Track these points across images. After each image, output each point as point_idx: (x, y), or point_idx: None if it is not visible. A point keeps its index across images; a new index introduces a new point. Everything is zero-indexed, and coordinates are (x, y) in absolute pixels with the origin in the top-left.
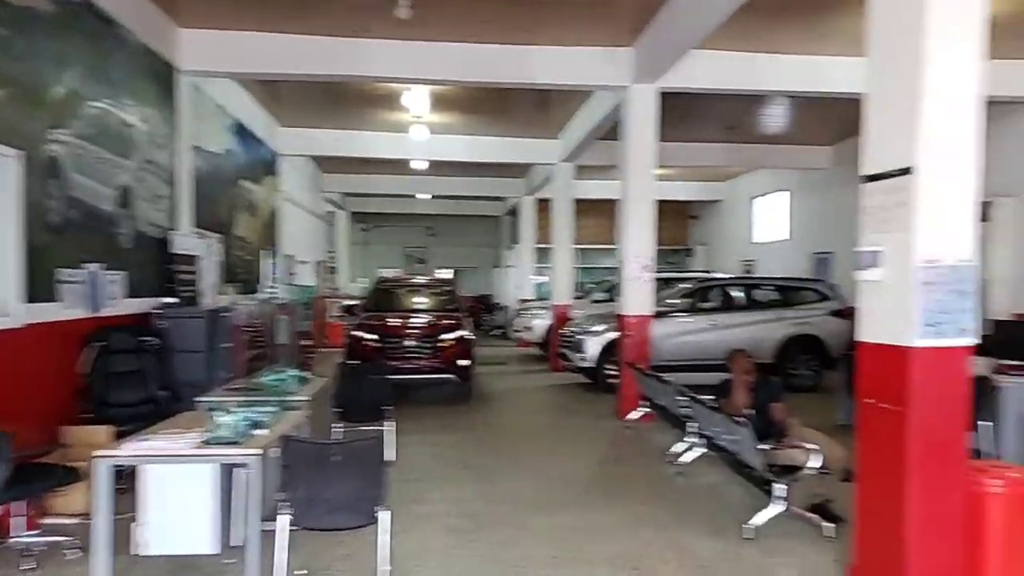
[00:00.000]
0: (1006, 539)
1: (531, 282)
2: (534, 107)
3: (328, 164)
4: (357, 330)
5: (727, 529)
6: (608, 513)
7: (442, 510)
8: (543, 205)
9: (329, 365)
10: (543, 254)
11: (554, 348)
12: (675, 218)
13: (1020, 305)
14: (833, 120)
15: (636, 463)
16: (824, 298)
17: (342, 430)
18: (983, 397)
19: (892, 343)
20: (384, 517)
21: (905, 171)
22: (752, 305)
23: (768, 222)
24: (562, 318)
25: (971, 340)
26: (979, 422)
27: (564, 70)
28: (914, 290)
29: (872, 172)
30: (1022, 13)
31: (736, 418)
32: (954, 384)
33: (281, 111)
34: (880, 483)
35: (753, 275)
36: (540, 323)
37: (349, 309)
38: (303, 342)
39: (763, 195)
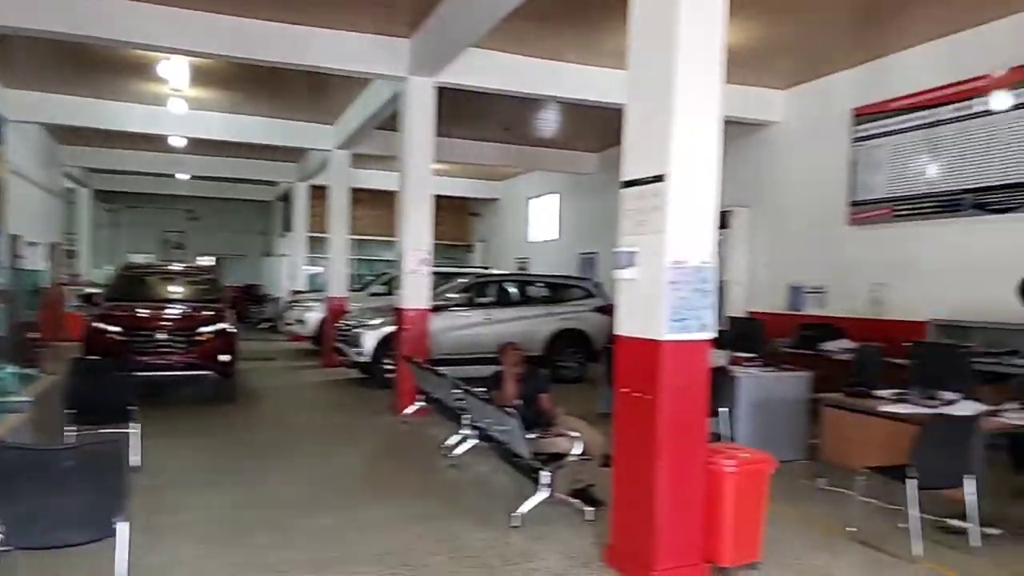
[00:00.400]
0: (737, 511)
1: (304, 273)
2: (309, 90)
3: (68, 135)
4: (98, 321)
5: (496, 518)
6: (378, 510)
7: (195, 518)
8: (318, 192)
9: (65, 361)
10: (318, 243)
11: (329, 342)
12: (457, 214)
13: (753, 304)
14: (600, 128)
15: (410, 458)
16: (589, 295)
17: (75, 433)
18: (721, 386)
19: (645, 336)
20: (122, 529)
21: (658, 178)
22: (525, 301)
23: (542, 222)
24: (337, 311)
25: (711, 334)
26: (719, 408)
27: (339, 54)
28: (664, 288)
29: (630, 178)
30: (752, 46)
31: (506, 409)
32: (696, 374)
33: (9, 71)
34: (633, 466)
35: (527, 272)
36: (314, 316)
37: (89, 298)
38: (29, 335)
39: (538, 196)
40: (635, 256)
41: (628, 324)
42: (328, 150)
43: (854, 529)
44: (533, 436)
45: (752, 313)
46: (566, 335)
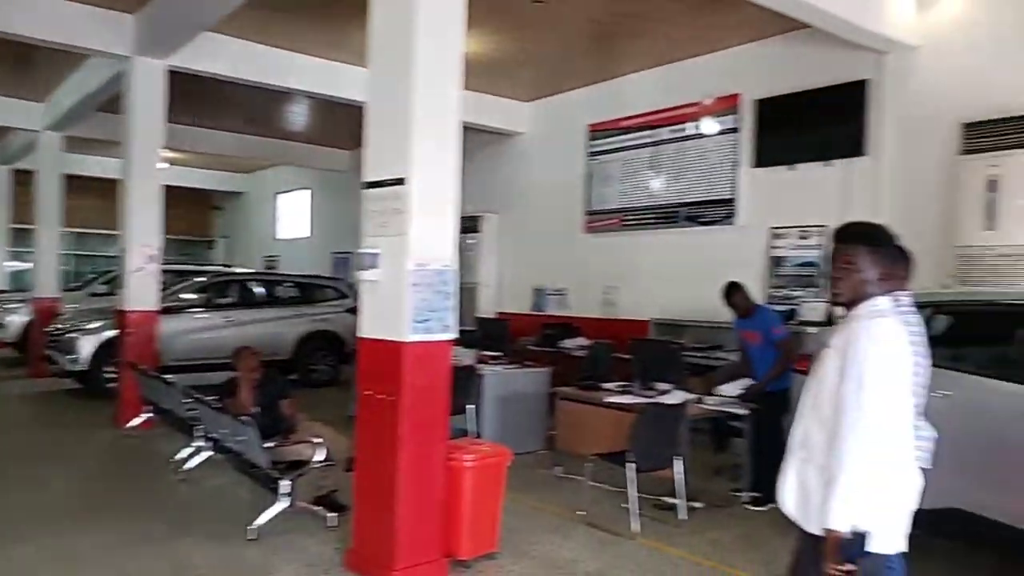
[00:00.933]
0: (475, 504)
1: (4, 269)
2: (15, 61)
3: None
4: None
5: (232, 533)
6: (93, 536)
7: None
8: (23, 178)
9: None
10: (22, 236)
11: (37, 349)
12: (197, 208)
13: (502, 305)
14: (354, 125)
15: (134, 475)
16: (342, 296)
17: None
18: (468, 383)
19: (388, 338)
20: None
21: (400, 181)
22: (272, 301)
23: (293, 219)
24: (47, 313)
25: (452, 335)
26: (466, 405)
27: (51, 24)
28: (406, 290)
29: (372, 179)
30: (498, 57)
31: (241, 417)
32: (439, 374)
33: None
34: (376, 467)
35: (274, 271)
36: (17, 319)
37: None
38: None
39: (288, 191)
40: (378, 258)
41: (371, 326)
42: (36, 130)
43: (583, 512)
44: (272, 444)
45: (500, 314)
46: (317, 337)
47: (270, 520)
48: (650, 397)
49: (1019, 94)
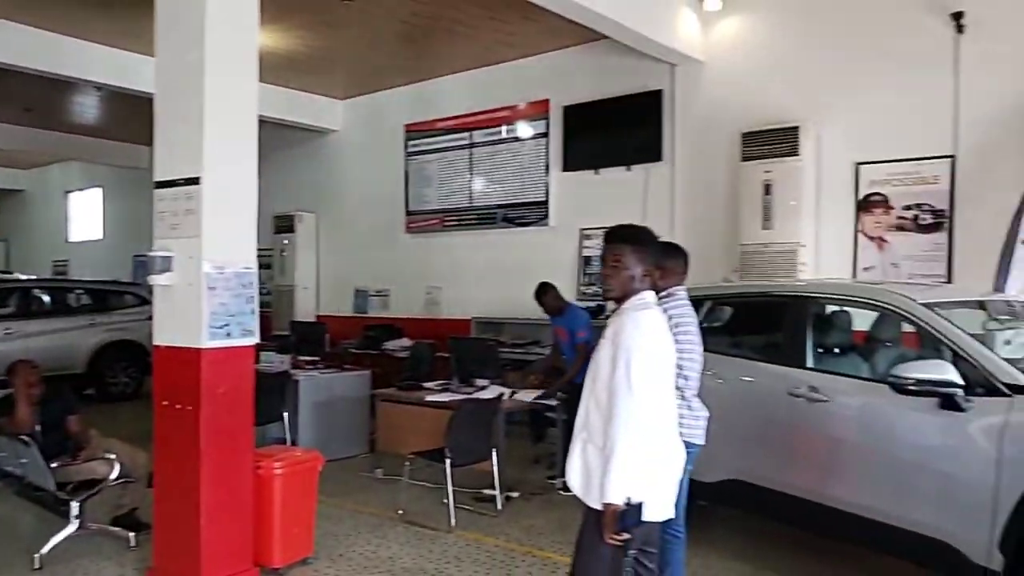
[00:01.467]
0: (285, 511)
1: None
2: None
3: None
4: None
5: (15, 564)
6: None
7: None
8: None
9: None
10: None
11: None
12: None
13: (322, 308)
14: (149, 119)
15: None
16: (144, 302)
17: None
18: (282, 390)
19: (184, 345)
20: None
21: (193, 180)
22: (61, 310)
23: (86, 220)
24: None
25: (254, 340)
26: (282, 412)
27: None
28: (203, 294)
29: (163, 179)
30: (310, 54)
31: (21, 437)
32: (241, 380)
33: None
34: (176, 481)
35: (64, 277)
36: None
37: None
38: None
39: (81, 190)
40: (171, 261)
41: (166, 333)
42: None
43: (402, 511)
44: (58, 464)
45: (320, 317)
46: (116, 348)
47: (60, 546)
48: (468, 394)
49: (787, 108)
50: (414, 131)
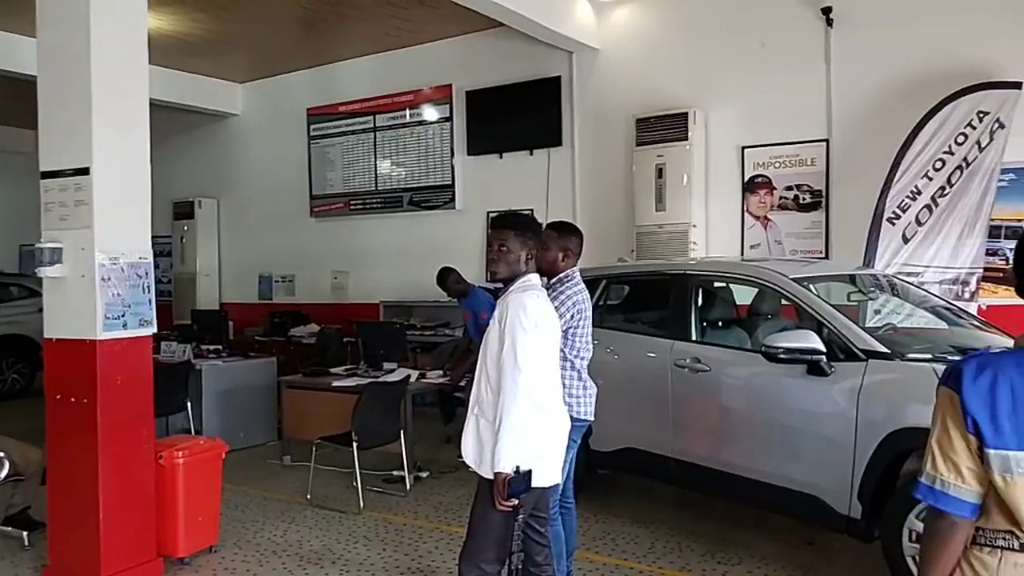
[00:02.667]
0: (189, 500)
1: None
2: None
3: None
4: None
5: None
6: None
7: None
8: None
9: None
10: None
11: None
12: None
13: (226, 295)
14: (33, 102)
15: None
16: (34, 294)
17: None
18: (186, 380)
19: (79, 338)
20: None
21: (83, 171)
22: None
23: None
24: None
25: (152, 330)
26: (187, 402)
27: None
28: (97, 286)
29: (50, 169)
30: (207, 37)
31: None
32: (139, 372)
33: None
34: (73, 476)
35: None
36: None
37: None
38: None
39: None
40: (61, 252)
41: (58, 326)
42: None
43: (310, 496)
44: None
45: (223, 304)
46: (6, 342)
47: None
48: (375, 378)
49: (677, 95)
50: (317, 115)
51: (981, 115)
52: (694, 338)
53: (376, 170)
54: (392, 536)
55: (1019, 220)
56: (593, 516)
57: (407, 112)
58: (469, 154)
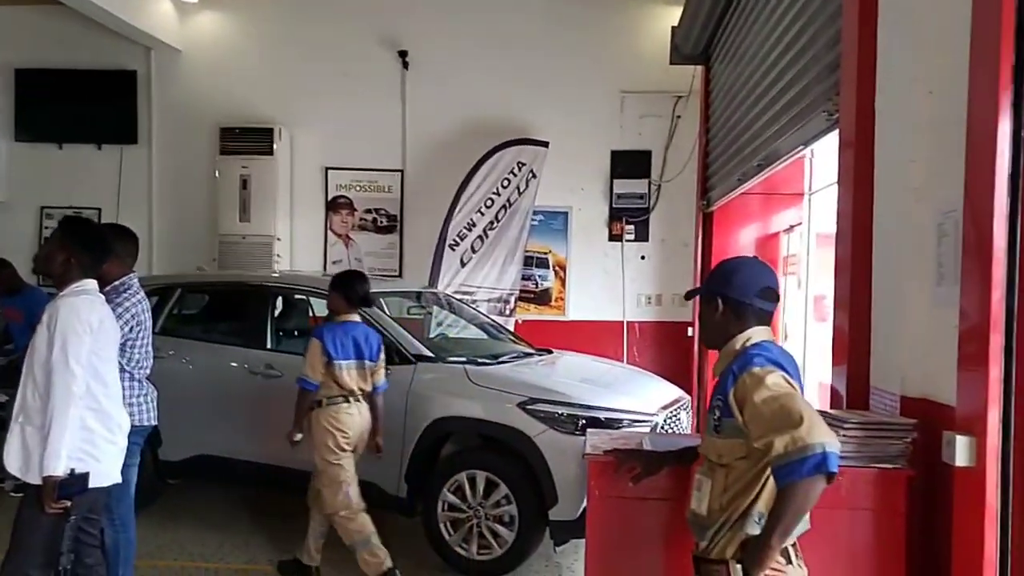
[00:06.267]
0: None
1: None
2: None
3: None
4: None
5: None
6: None
7: None
8: None
9: None
10: None
11: None
12: None
13: None
14: None
15: None
16: None
17: None
18: None
19: None
20: None
21: None
22: None
23: None
24: None
25: None
26: None
27: None
28: None
29: None
30: None
31: None
32: None
33: None
34: None
35: None
36: None
37: None
38: None
39: None
40: None
41: None
42: None
43: None
44: None
45: None
46: None
47: None
48: None
49: (263, 109)
50: None
51: (520, 165)
52: (269, 346)
53: None
54: None
55: (543, 252)
56: (161, 526)
57: None
58: (17, 140)
